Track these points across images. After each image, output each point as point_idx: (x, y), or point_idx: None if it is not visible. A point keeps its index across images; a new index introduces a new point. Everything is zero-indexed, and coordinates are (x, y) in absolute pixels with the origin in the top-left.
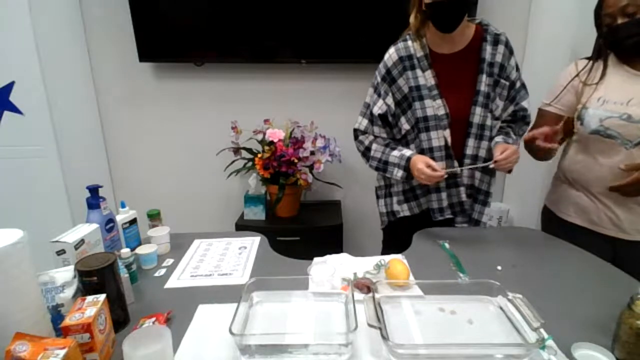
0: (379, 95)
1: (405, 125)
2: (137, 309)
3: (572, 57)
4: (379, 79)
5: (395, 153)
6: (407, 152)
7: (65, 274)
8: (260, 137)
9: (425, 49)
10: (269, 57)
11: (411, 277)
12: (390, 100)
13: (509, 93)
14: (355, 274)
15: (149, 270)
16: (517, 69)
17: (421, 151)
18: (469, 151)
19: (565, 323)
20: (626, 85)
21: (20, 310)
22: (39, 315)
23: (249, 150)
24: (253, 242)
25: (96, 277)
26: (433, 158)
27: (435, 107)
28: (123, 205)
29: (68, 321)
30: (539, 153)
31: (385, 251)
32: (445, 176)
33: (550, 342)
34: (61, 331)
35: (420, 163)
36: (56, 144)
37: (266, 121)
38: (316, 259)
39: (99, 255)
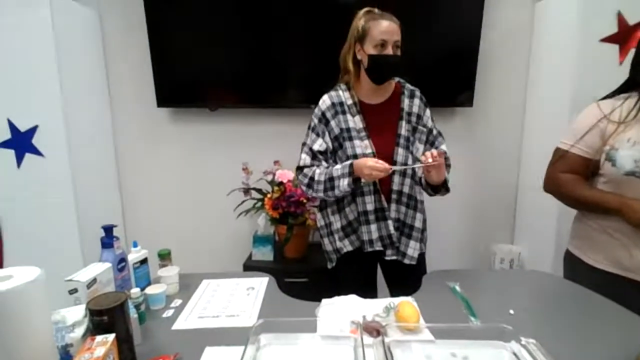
0: (318, 135)
1: (339, 163)
2: (144, 350)
3: (574, 94)
4: (315, 121)
5: (338, 166)
6: (348, 162)
7: (75, 313)
8: (270, 177)
9: (355, 99)
10: (280, 102)
11: (421, 320)
12: (327, 138)
13: (427, 138)
14: (364, 316)
15: (158, 311)
16: (433, 119)
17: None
18: (394, 187)
19: None
20: None
21: (32, 349)
22: (49, 354)
23: (259, 191)
24: (261, 283)
25: (107, 317)
26: (363, 192)
27: (362, 146)
28: (135, 245)
29: None
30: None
31: (339, 292)
32: (391, 171)
33: None
34: None
35: (370, 161)
36: (73, 185)
37: (276, 162)
38: (324, 301)
39: (110, 294)
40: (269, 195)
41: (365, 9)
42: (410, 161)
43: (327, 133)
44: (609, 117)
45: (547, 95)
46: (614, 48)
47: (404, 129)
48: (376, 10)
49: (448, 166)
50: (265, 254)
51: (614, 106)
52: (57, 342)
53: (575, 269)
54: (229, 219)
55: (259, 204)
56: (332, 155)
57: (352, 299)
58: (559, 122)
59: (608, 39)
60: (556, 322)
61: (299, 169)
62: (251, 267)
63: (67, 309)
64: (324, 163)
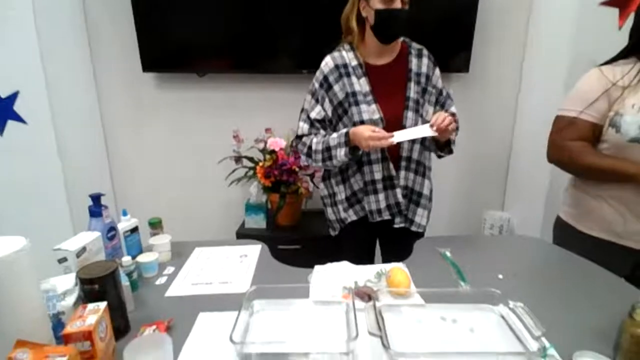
0: (317, 101)
1: (343, 130)
2: (137, 316)
3: (571, 60)
4: (316, 85)
5: (334, 135)
6: (344, 130)
7: (66, 282)
8: (261, 146)
9: (359, 59)
10: (270, 67)
11: (412, 286)
12: (327, 105)
13: (437, 99)
14: (356, 282)
15: (150, 278)
16: (442, 79)
17: (360, 154)
18: (403, 153)
19: (567, 332)
20: None
21: (22, 317)
22: (40, 322)
23: (251, 159)
24: (254, 250)
25: (97, 285)
26: (370, 161)
27: (370, 111)
28: (125, 214)
29: (69, 329)
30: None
31: (341, 257)
32: (393, 141)
33: (551, 351)
34: (62, 339)
35: (367, 131)
36: (58, 152)
37: (267, 130)
38: (317, 267)
39: (100, 263)
40: (260, 164)
41: None
42: (420, 125)
43: (327, 99)
44: (617, 84)
45: (545, 61)
46: (614, 12)
47: (412, 90)
48: None
49: (457, 129)
50: (257, 221)
51: (617, 71)
52: (49, 310)
53: (566, 235)
54: (220, 187)
55: (251, 172)
56: (331, 124)
57: (344, 265)
58: (555, 90)
59: (608, 3)
60: (544, 286)
61: (298, 137)
62: (244, 235)
63: (57, 277)
64: (321, 132)
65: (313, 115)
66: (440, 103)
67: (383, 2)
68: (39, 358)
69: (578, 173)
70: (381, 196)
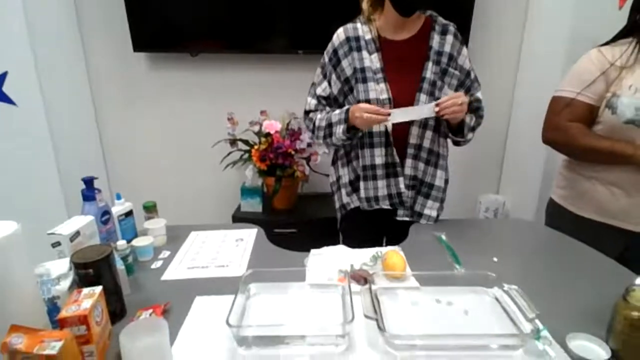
0: (324, 77)
1: (346, 107)
2: (133, 300)
3: (570, 41)
4: (326, 59)
5: (337, 111)
6: (346, 106)
7: (60, 266)
8: (256, 128)
9: (374, 33)
10: (265, 48)
11: (407, 269)
12: (334, 81)
13: (463, 82)
14: (352, 265)
15: (146, 262)
16: (469, 59)
17: (361, 136)
18: (412, 140)
19: (561, 314)
20: None
21: (15, 302)
22: (35, 307)
23: (246, 142)
24: (250, 234)
25: (92, 269)
26: (372, 144)
27: (378, 90)
28: (119, 197)
29: (64, 313)
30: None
31: (344, 243)
32: (389, 119)
33: (545, 333)
34: (57, 323)
35: (362, 104)
36: (50, 135)
37: (263, 112)
38: (313, 251)
39: (94, 247)
40: (256, 147)
41: None
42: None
43: (334, 75)
44: (615, 64)
45: (543, 45)
46: None
47: (430, 71)
48: None
49: (480, 117)
50: (253, 205)
51: (615, 52)
52: (43, 295)
53: (558, 217)
54: (216, 170)
55: (246, 155)
56: (336, 102)
57: (340, 248)
58: (553, 73)
59: None
60: (538, 269)
61: (306, 112)
62: (240, 218)
63: (52, 262)
64: (327, 108)
65: (319, 91)
66: (466, 87)
67: None
68: (34, 343)
69: (574, 154)
70: (380, 183)
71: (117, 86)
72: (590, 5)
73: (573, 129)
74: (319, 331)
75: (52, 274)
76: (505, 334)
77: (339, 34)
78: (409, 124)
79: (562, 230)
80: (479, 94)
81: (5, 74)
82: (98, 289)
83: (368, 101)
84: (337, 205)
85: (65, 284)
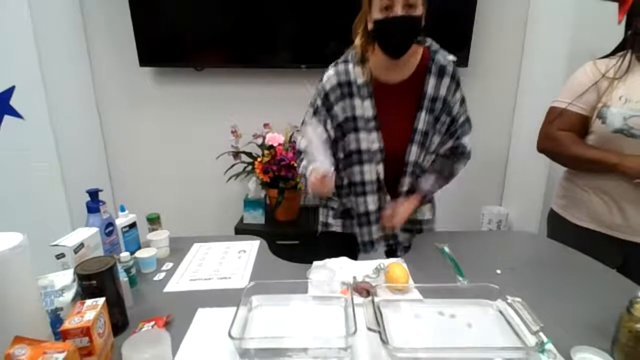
0: (319, 121)
1: (340, 154)
2: (136, 312)
3: (570, 56)
4: (319, 102)
5: (318, 162)
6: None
7: (64, 278)
8: (260, 141)
9: (368, 76)
10: (269, 62)
11: (410, 281)
12: (329, 127)
13: (448, 128)
14: (354, 277)
15: (149, 274)
16: (463, 102)
17: (353, 183)
18: (404, 188)
19: (565, 327)
20: None
21: (19, 313)
22: (38, 318)
23: (249, 155)
24: (252, 246)
25: (95, 281)
26: (364, 192)
27: (369, 140)
28: (122, 209)
29: (67, 325)
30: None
31: (320, 257)
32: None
33: (549, 346)
34: (60, 335)
35: (313, 176)
36: (56, 147)
37: (266, 125)
38: (315, 263)
39: (98, 259)
40: (259, 159)
41: None
42: (425, 159)
43: (329, 120)
44: (605, 75)
45: (544, 56)
46: (613, 6)
47: (422, 121)
48: None
49: (465, 159)
50: (256, 217)
51: (609, 64)
52: (47, 307)
53: (558, 227)
54: (219, 182)
55: (249, 167)
56: (336, 143)
57: (343, 260)
58: (554, 83)
59: None
60: (542, 281)
61: (298, 152)
62: (243, 230)
63: (55, 273)
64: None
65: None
66: (450, 132)
67: (381, 10)
68: (37, 354)
69: (565, 163)
70: (374, 227)
71: (123, 100)
72: (591, 21)
73: (563, 138)
74: (322, 344)
75: (56, 285)
76: (509, 347)
77: (330, 78)
78: (401, 174)
79: (562, 239)
80: (466, 138)
81: (12, 89)
82: (101, 300)
83: (359, 151)
84: (321, 218)
85: (69, 295)
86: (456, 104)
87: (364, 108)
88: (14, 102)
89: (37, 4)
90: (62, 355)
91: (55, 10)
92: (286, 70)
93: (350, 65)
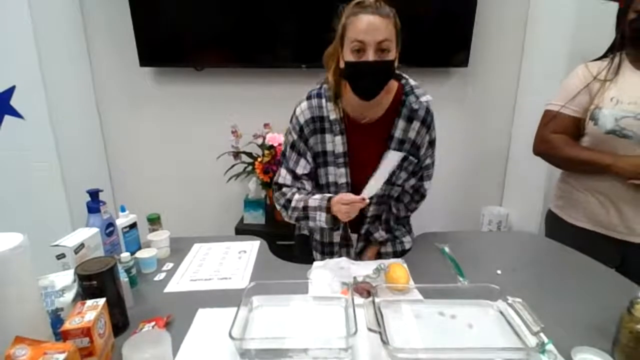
0: (299, 154)
1: (327, 195)
2: (136, 313)
3: (570, 59)
4: (294, 136)
5: (317, 196)
6: (327, 194)
7: (64, 278)
8: (260, 141)
9: (340, 112)
10: (269, 62)
11: (411, 281)
12: (309, 157)
13: (415, 171)
14: (355, 278)
15: (149, 274)
16: (432, 145)
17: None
18: (369, 214)
19: (566, 327)
20: (639, 85)
21: (19, 314)
22: (39, 319)
23: (249, 155)
24: (253, 246)
25: (96, 282)
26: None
27: (337, 174)
28: (123, 210)
29: (68, 325)
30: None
31: (298, 260)
32: (367, 201)
33: (550, 347)
34: (61, 335)
35: (337, 199)
36: (56, 148)
37: (266, 125)
38: (316, 263)
39: (98, 259)
40: (259, 159)
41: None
42: (389, 192)
43: (308, 152)
44: (597, 77)
45: (544, 57)
46: (613, 7)
47: None
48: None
49: (422, 200)
50: (256, 217)
51: (601, 66)
52: (47, 307)
53: (556, 227)
54: (219, 183)
55: (250, 168)
56: (315, 173)
57: (343, 261)
58: (554, 85)
59: None
60: (542, 281)
61: (278, 185)
62: (243, 230)
63: (56, 274)
64: (307, 186)
65: (300, 170)
66: (414, 171)
67: (352, 52)
68: (37, 354)
69: (560, 165)
70: (336, 256)
71: (123, 100)
72: (591, 21)
73: (556, 141)
74: (322, 344)
75: (57, 285)
76: (510, 347)
77: (304, 112)
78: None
79: (560, 240)
80: (427, 184)
81: (13, 88)
82: (101, 301)
83: (328, 185)
84: (297, 231)
85: (69, 295)
86: (424, 146)
87: (335, 144)
88: (14, 102)
89: (37, 4)
90: (63, 356)
91: (56, 11)
92: (286, 70)
93: (324, 101)
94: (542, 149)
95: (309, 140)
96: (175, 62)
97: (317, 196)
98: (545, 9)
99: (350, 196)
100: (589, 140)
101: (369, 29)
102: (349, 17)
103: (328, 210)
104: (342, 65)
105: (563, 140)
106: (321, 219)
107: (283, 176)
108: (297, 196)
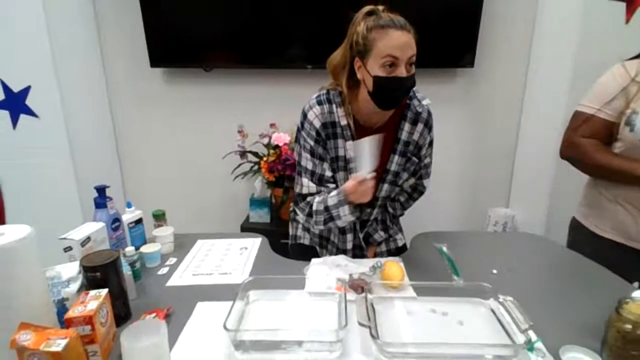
0: (321, 159)
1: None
2: (139, 304)
3: (578, 55)
4: (311, 143)
5: (333, 193)
6: (341, 187)
7: (70, 270)
8: (266, 140)
9: (350, 118)
10: (276, 63)
11: (406, 279)
12: (328, 159)
13: (414, 169)
14: (351, 275)
15: (153, 268)
16: (431, 145)
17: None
18: (373, 216)
19: (556, 326)
20: None
21: (26, 302)
22: (45, 307)
23: (255, 154)
24: (254, 243)
25: (99, 273)
26: (344, 230)
27: (345, 179)
28: (129, 206)
29: (71, 313)
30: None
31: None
32: (368, 176)
33: (539, 345)
34: (65, 323)
35: (346, 187)
36: (69, 145)
37: (272, 125)
38: (314, 260)
39: (103, 252)
40: (265, 159)
41: (367, 9)
42: (392, 194)
43: (327, 156)
44: (636, 79)
45: (551, 57)
46: (621, 7)
47: (395, 163)
48: (381, 10)
49: (420, 196)
50: (262, 216)
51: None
52: (53, 297)
53: (580, 236)
54: (226, 181)
55: (256, 167)
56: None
57: (341, 258)
58: (562, 86)
59: None
60: (538, 281)
61: (301, 196)
62: (248, 228)
63: (62, 265)
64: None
65: (327, 174)
66: (414, 171)
67: (384, 69)
68: (41, 340)
69: (589, 171)
70: (349, 236)
71: (134, 99)
72: (599, 20)
73: (586, 146)
74: (314, 337)
75: (63, 276)
76: (497, 344)
77: (318, 117)
78: (372, 206)
79: (583, 249)
80: (426, 181)
81: (28, 88)
82: (104, 291)
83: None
84: (290, 232)
85: (75, 286)
86: (425, 146)
87: (346, 149)
88: (29, 101)
89: (52, 5)
90: (65, 342)
91: (69, 13)
92: (292, 70)
93: (334, 106)
94: (571, 153)
95: (327, 143)
96: (185, 63)
97: (333, 193)
98: (552, 9)
99: (357, 177)
100: (622, 147)
101: (403, 46)
102: (375, 30)
103: (347, 201)
104: (360, 76)
105: (594, 146)
106: (345, 212)
107: (306, 185)
108: (317, 198)
